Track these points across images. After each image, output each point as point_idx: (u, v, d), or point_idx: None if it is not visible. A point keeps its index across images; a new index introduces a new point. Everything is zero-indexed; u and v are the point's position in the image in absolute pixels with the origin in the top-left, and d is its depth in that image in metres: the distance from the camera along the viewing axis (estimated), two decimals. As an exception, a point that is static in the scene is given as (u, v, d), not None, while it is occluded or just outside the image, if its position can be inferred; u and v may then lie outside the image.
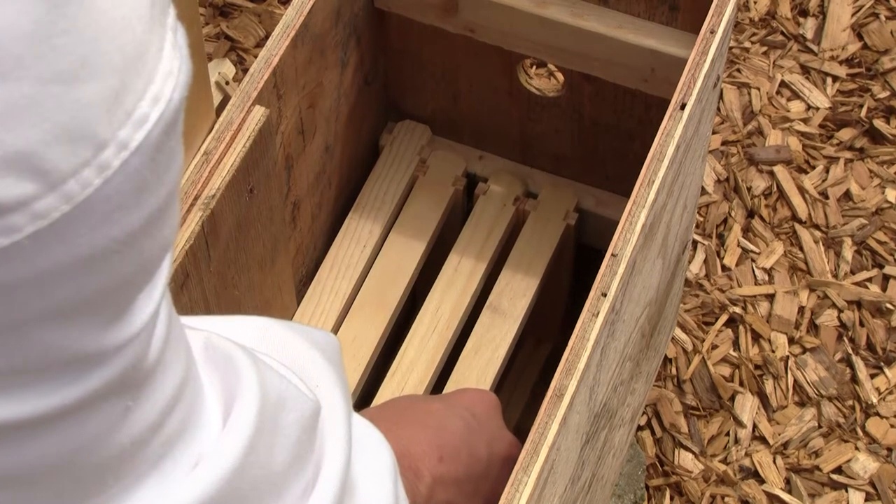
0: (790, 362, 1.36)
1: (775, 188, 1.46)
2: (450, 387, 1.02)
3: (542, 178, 1.13)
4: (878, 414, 1.33)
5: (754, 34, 1.57)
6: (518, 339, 1.06)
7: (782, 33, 1.57)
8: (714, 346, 1.37)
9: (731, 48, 1.54)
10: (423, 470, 0.82)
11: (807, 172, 1.47)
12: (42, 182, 0.40)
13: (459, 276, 1.07)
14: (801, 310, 1.39)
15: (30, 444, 0.45)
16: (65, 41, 0.40)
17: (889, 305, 1.38)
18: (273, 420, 0.57)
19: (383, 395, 1.02)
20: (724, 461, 1.31)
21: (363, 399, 1.04)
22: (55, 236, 0.41)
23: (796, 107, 1.52)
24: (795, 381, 1.35)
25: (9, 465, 0.45)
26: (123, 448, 0.49)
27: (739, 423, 1.33)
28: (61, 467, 0.47)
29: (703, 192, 1.45)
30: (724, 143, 1.49)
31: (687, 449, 1.31)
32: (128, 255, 0.44)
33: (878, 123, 1.49)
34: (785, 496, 1.29)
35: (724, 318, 1.38)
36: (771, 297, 1.39)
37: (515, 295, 1.06)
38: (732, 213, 1.45)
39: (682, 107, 0.88)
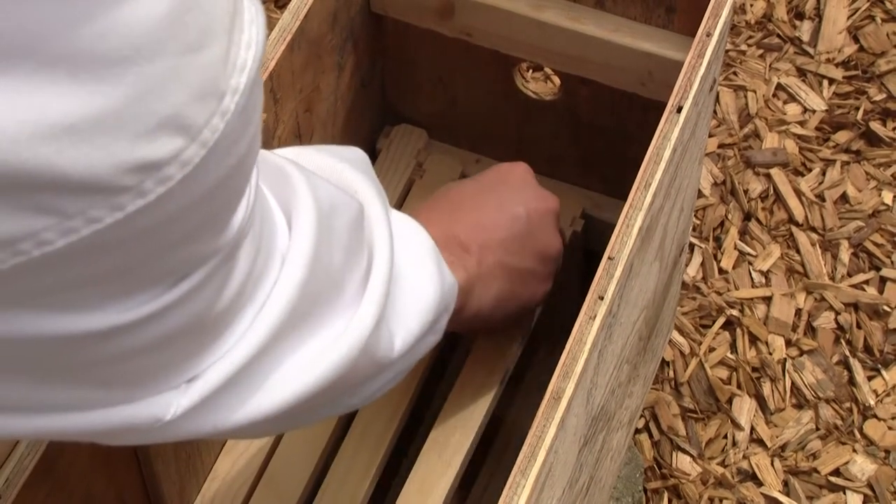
0: (788, 365, 1.36)
1: (772, 191, 1.46)
2: (455, 390, 1.02)
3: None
4: (875, 416, 1.33)
5: (750, 37, 1.57)
6: (525, 347, 1.05)
7: (778, 36, 1.57)
8: (711, 349, 1.37)
9: (727, 51, 1.55)
10: (468, 243, 0.89)
11: (803, 175, 1.47)
12: (186, 136, 0.49)
13: None
14: (799, 312, 1.39)
15: (171, 316, 0.56)
16: (191, 17, 0.48)
17: (886, 307, 1.39)
18: (328, 225, 0.67)
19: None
20: (722, 464, 1.31)
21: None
22: (195, 177, 0.50)
23: (793, 109, 1.52)
24: (793, 383, 1.35)
25: (156, 334, 0.56)
26: (232, 295, 0.60)
27: (737, 426, 1.33)
28: (189, 328, 0.58)
29: (700, 195, 1.45)
30: (720, 146, 1.49)
31: (685, 452, 1.31)
32: (238, 174, 0.54)
33: (875, 126, 1.50)
34: (783, 498, 1.29)
35: (721, 320, 1.38)
36: (768, 300, 1.39)
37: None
38: (729, 216, 1.45)
39: (679, 110, 0.89)
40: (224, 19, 0.49)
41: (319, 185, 0.69)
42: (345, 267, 0.70)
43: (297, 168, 0.69)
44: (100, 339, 0.54)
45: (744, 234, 1.44)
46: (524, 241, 0.92)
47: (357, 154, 0.81)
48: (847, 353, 1.37)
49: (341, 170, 0.77)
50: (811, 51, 1.55)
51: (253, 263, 0.61)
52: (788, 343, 1.37)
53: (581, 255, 1.12)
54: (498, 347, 1.03)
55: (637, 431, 1.32)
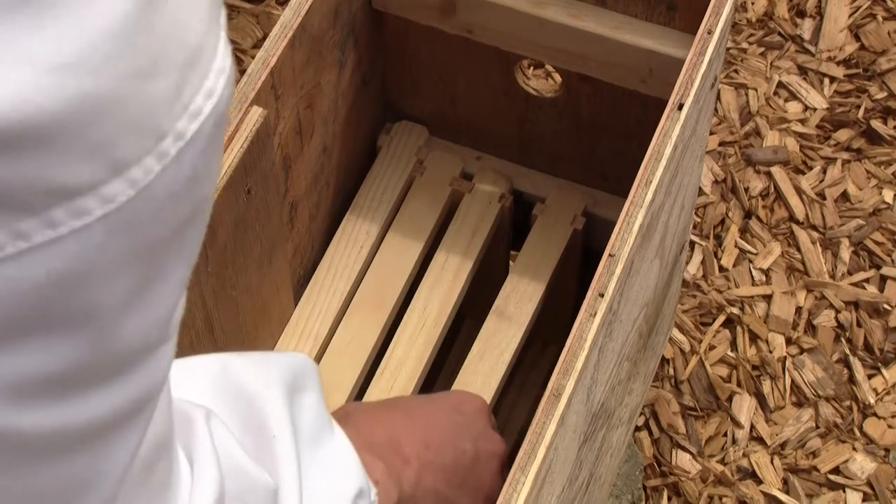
0: (788, 363, 1.36)
1: (773, 189, 1.46)
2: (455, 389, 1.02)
3: (539, 179, 1.13)
4: (875, 414, 1.33)
5: (752, 35, 1.57)
6: (525, 343, 1.06)
7: (780, 34, 1.57)
8: (711, 347, 1.37)
9: (728, 49, 1.54)
10: (409, 455, 0.83)
11: (804, 173, 1.47)
12: (111, 168, 0.43)
13: (446, 275, 1.07)
14: (799, 310, 1.39)
15: (64, 460, 0.47)
16: (145, 40, 0.43)
17: (886, 306, 1.39)
18: None
19: (372, 394, 1.02)
20: (722, 461, 1.31)
21: (358, 399, 1.04)
22: (121, 223, 0.44)
23: (794, 108, 1.52)
24: (793, 381, 1.35)
25: (35, 483, 0.47)
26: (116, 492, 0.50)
27: (737, 424, 1.33)
28: (74, 490, 0.48)
29: (701, 192, 1.45)
30: (721, 143, 1.49)
31: (684, 449, 1.32)
32: (176, 242, 0.47)
33: (876, 124, 1.50)
34: (782, 496, 1.29)
35: (721, 318, 1.38)
36: (768, 298, 1.39)
37: (522, 299, 1.06)
38: (730, 214, 1.45)
39: (680, 107, 0.88)
40: (181, 55, 0.44)
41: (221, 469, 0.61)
42: None
43: (207, 440, 0.61)
44: None
45: (744, 231, 1.44)
46: (465, 477, 0.86)
47: (297, 363, 0.75)
48: (847, 351, 1.37)
49: (264, 404, 0.70)
50: (812, 49, 1.55)
51: (156, 462, 0.53)
52: (788, 341, 1.37)
53: (580, 254, 1.12)
54: (497, 346, 1.03)
55: (637, 429, 1.32)
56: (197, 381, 0.70)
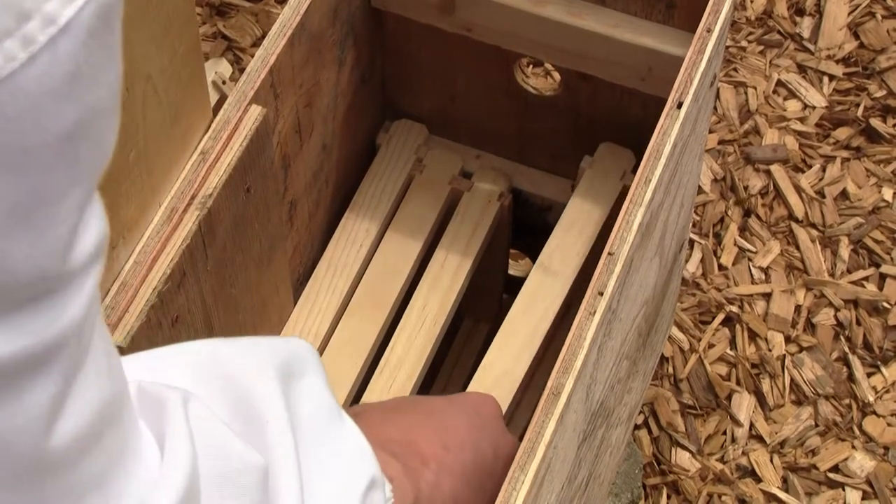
0: (787, 361, 1.36)
1: (772, 187, 1.46)
2: (489, 360, 0.99)
3: (538, 177, 1.13)
4: (874, 412, 1.33)
5: (751, 33, 1.57)
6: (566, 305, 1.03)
7: (779, 32, 1.57)
8: (711, 345, 1.37)
9: (727, 47, 1.54)
10: (428, 456, 0.77)
11: (803, 171, 1.47)
12: None
13: (445, 274, 1.07)
14: (798, 309, 1.39)
15: None
16: None
17: (886, 304, 1.39)
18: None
19: (371, 392, 1.02)
20: (721, 460, 1.31)
21: (356, 399, 1.04)
22: None
23: (793, 106, 1.52)
24: (792, 379, 1.35)
25: None
26: (51, 457, 0.46)
27: (736, 422, 1.33)
28: None
29: (700, 191, 1.45)
30: (720, 142, 1.49)
31: (684, 448, 1.32)
32: (63, 155, 0.42)
33: (875, 122, 1.50)
34: (782, 495, 1.29)
35: (720, 316, 1.38)
36: (768, 296, 1.39)
37: (567, 256, 1.03)
38: (729, 212, 1.45)
39: (679, 106, 0.88)
40: None
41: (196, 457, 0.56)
42: None
43: (187, 443, 0.56)
44: None
45: (743, 230, 1.44)
46: (484, 480, 0.80)
47: (294, 349, 0.69)
48: (846, 349, 1.37)
49: (256, 388, 0.64)
50: (811, 47, 1.55)
51: (98, 440, 0.49)
52: (788, 339, 1.37)
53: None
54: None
55: (636, 427, 1.32)
56: (183, 366, 0.64)
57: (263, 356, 0.66)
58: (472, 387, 0.94)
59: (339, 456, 0.67)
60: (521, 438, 0.78)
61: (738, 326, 1.38)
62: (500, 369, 0.97)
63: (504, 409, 0.91)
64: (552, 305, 1.01)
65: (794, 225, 1.44)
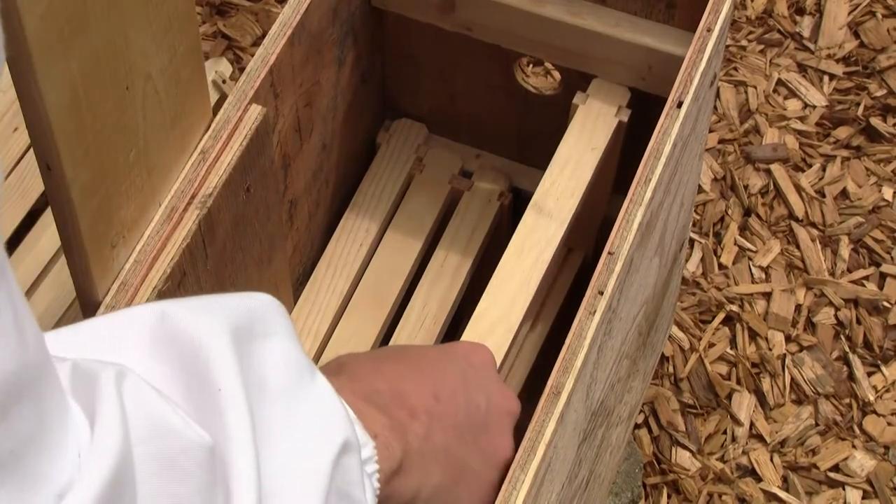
0: (787, 360, 1.36)
1: (772, 186, 1.46)
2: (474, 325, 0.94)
3: (538, 176, 1.13)
4: (875, 412, 1.33)
5: (751, 32, 1.57)
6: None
7: (779, 31, 1.57)
8: (711, 345, 1.37)
9: (727, 46, 1.54)
10: (417, 407, 0.73)
11: (803, 171, 1.47)
12: None
13: (445, 273, 1.07)
14: (798, 308, 1.39)
15: None
16: None
17: (886, 303, 1.39)
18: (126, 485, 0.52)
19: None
20: (722, 459, 1.31)
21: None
22: None
23: (793, 105, 1.52)
24: (792, 379, 1.35)
25: None
26: None
27: (736, 422, 1.33)
28: None
29: (700, 190, 1.45)
30: (720, 141, 1.49)
31: (684, 447, 1.32)
32: None
33: (875, 121, 1.50)
34: (782, 494, 1.29)
35: (720, 316, 1.38)
36: (768, 296, 1.39)
37: (563, 196, 0.98)
38: (729, 212, 1.45)
39: (679, 105, 0.88)
40: None
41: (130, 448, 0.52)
42: None
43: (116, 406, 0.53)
44: None
45: (744, 229, 1.44)
46: (478, 434, 0.76)
47: (257, 306, 0.63)
48: (847, 348, 1.37)
49: (208, 356, 0.59)
50: (812, 46, 1.55)
51: (7, 409, 0.46)
52: (788, 339, 1.37)
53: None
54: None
55: (636, 427, 1.32)
56: (131, 335, 0.60)
57: (218, 318, 0.61)
58: (466, 336, 0.89)
59: (306, 421, 0.62)
60: (520, 438, 0.78)
61: (738, 326, 1.38)
62: (494, 316, 0.91)
63: (499, 358, 0.86)
64: (547, 248, 0.95)
65: (794, 224, 1.44)
